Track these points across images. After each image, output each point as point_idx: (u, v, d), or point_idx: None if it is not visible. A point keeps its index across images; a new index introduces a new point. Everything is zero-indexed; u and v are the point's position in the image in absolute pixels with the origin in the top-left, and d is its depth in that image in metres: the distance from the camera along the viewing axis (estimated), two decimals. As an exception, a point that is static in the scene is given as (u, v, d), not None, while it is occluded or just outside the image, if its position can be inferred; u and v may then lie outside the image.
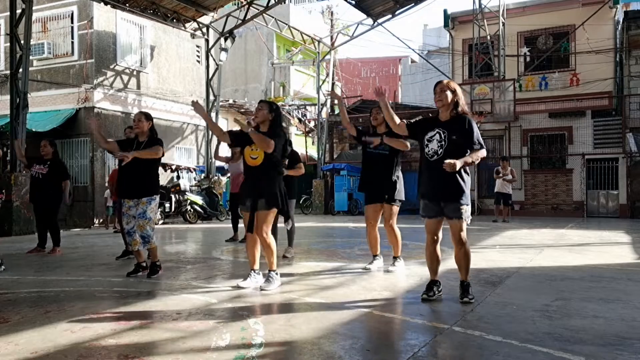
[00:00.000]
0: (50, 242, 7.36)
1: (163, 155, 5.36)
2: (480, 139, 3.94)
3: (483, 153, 3.93)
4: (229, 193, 10.06)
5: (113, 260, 6.52)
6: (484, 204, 17.62)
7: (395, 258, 5.47)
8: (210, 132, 17.10)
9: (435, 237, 4.05)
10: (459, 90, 4.00)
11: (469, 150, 3.89)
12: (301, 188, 20.51)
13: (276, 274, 4.57)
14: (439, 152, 3.86)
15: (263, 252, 4.57)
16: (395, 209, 5.31)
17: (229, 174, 11.19)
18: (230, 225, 8.98)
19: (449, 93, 3.92)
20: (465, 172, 3.91)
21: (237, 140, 4.59)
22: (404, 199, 5.35)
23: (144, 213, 5.15)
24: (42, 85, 14.78)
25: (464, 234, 3.92)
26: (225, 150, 9.51)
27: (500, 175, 13.19)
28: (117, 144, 5.32)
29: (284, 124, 8.90)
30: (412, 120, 4.35)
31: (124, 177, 5.29)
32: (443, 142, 3.86)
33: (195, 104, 4.69)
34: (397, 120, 4.08)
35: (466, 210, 3.88)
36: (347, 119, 5.32)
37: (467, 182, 3.90)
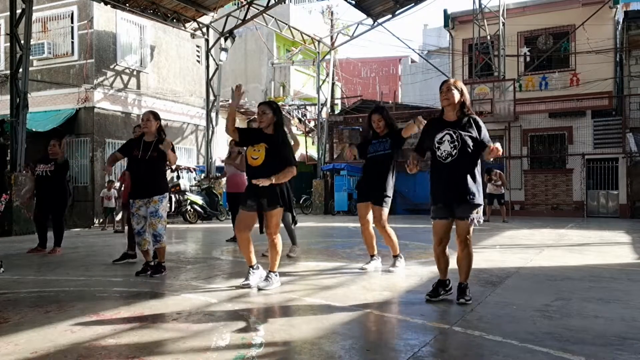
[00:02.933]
0: (50, 242, 7.36)
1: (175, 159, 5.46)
2: (489, 137, 3.91)
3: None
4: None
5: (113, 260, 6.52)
6: (484, 204, 17.62)
7: (395, 257, 5.46)
8: (210, 132, 17.11)
9: (444, 239, 3.97)
10: (465, 89, 3.96)
11: (480, 149, 3.85)
12: (301, 188, 20.58)
13: (276, 275, 4.57)
14: (454, 153, 3.79)
15: (269, 251, 4.58)
16: (385, 210, 5.26)
17: (225, 176, 11.18)
18: (231, 225, 8.97)
19: (456, 92, 3.87)
20: (478, 172, 3.88)
21: (244, 139, 4.56)
22: (390, 196, 5.32)
23: (157, 211, 5.19)
24: (42, 85, 14.77)
25: (470, 236, 3.89)
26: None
27: (492, 181, 13.68)
28: (120, 153, 5.42)
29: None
30: (419, 139, 4.16)
31: (133, 178, 5.28)
32: (456, 143, 3.78)
33: (237, 89, 4.50)
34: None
35: (478, 211, 3.85)
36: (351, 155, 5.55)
37: (480, 183, 3.88)
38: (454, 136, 3.80)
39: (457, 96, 3.87)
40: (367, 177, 5.38)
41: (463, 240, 3.89)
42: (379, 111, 5.36)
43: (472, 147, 3.80)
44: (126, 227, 7.11)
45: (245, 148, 4.64)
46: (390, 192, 5.29)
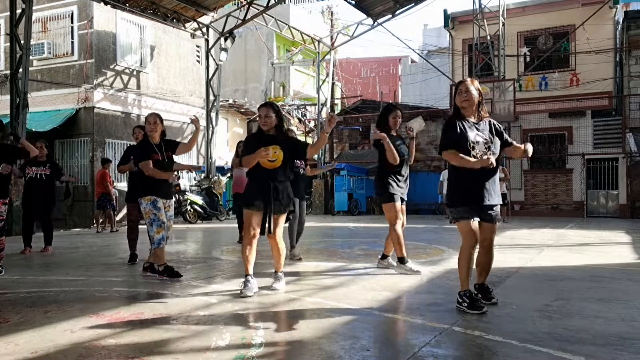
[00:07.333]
0: (40, 241, 7.50)
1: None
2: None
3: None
4: (229, 193, 10.05)
5: (113, 260, 6.52)
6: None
7: (401, 258, 5.41)
8: (210, 132, 17.11)
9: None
10: (481, 89, 3.88)
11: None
12: (301, 188, 20.52)
13: (282, 274, 4.61)
14: (488, 154, 3.69)
15: (273, 252, 4.56)
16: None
17: (229, 174, 11.19)
18: (233, 224, 8.97)
19: (475, 92, 3.75)
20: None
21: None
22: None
23: (172, 214, 5.33)
24: (42, 85, 14.77)
25: (494, 237, 3.89)
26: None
27: None
28: (131, 158, 5.67)
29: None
30: (454, 139, 3.77)
31: (154, 179, 5.09)
32: (490, 144, 3.72)
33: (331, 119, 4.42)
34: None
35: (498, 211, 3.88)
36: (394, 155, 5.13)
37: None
38: (487, 138, 3.73)
39: (476, 96, 3.76)
40: (403, 177, 5.26)
41: (490, 242, 3.84)
42: (398, 108, 5.36)
43: (498, 149, 3.79)
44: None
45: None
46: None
